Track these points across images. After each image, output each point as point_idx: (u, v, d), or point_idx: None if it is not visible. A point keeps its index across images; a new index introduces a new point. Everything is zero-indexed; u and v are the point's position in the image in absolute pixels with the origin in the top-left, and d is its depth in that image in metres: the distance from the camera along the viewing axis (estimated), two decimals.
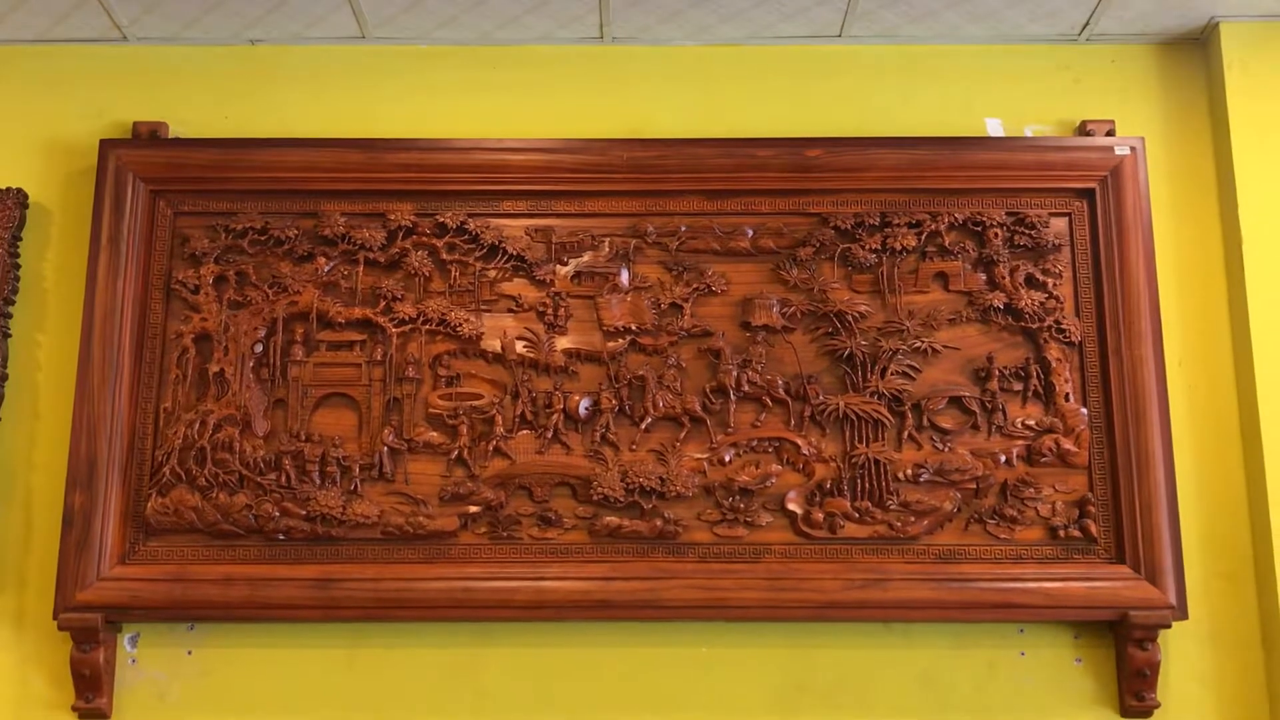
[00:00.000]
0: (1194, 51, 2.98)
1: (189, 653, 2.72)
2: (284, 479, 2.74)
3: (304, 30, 2.96)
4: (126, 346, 2.77)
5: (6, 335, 2.83)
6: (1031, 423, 2.77)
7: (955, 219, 2.85)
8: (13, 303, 2.85)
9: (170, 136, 2.92)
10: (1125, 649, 2.65)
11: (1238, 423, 2.80)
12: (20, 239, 2.87)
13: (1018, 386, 2.79)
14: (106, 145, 2.86)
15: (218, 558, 2.71)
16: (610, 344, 2.82)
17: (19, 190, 2.87)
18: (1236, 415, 2.80)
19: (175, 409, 2.77)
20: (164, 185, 2.86)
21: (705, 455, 2.77)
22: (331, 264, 2.85)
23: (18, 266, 2.86)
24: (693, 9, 2.87)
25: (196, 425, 2.76)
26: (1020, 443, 2.76)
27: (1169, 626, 2.63)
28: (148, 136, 2.90)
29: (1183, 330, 2.84)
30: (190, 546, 2.72)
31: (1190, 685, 2.69)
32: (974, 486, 2.74)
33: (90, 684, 2.65)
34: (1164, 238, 2.87)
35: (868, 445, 2.76)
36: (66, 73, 2.99)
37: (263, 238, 2.85)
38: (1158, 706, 2.65)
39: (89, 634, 2.63)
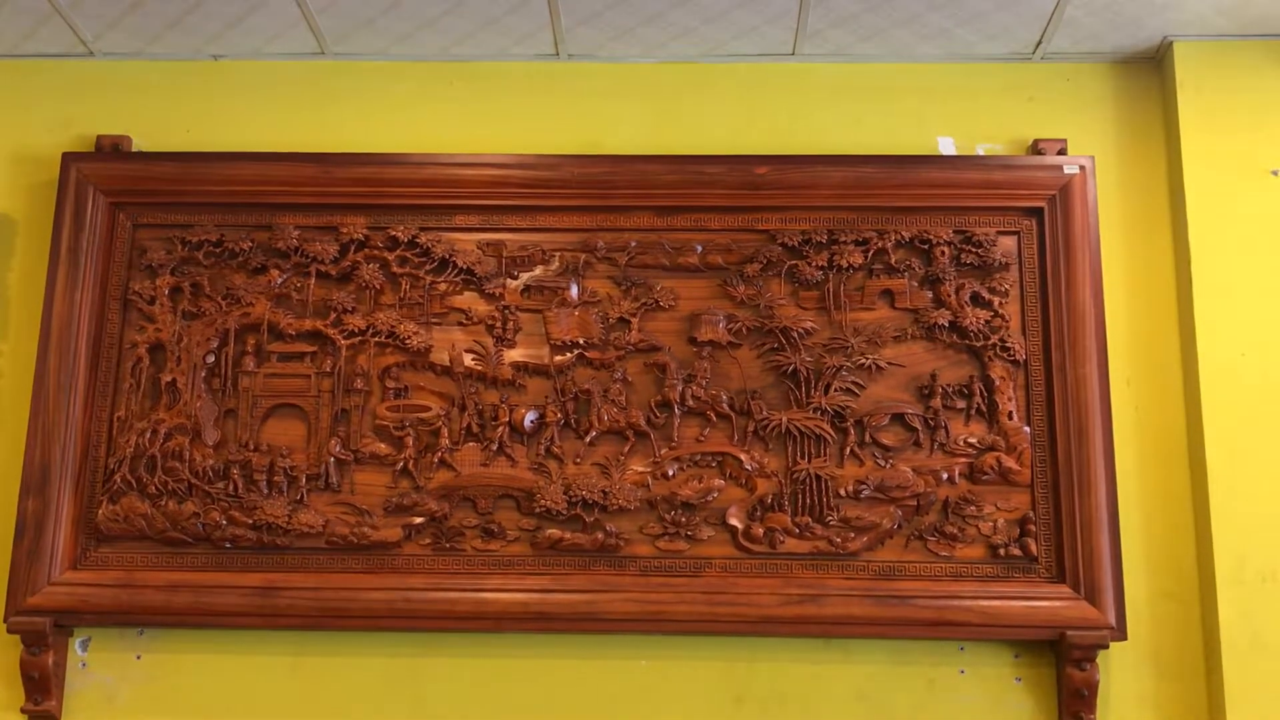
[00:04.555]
0: (1148, 70, 2.98)
1: (138, 657, 2.76)
2: (232, 488, 2.78)
3: (264, 46, 3.00)
4: (83, 356, 2.81)
5: None
6: (974, 440, 2.77)
7: (902, 237, 2.85)
8: None
9: (134, 150, 2.98)
10: (1064, 669, 2.65)
11: (1185, 442, 2.79)
12: None
13: (961, 404, 2.79)
14: (68, 158, 2.91)
15: (166, 564, 2.75)
16: (558, 358, 2.85)
17: None
18: (1184, 435, 2.79)
19: (128, 418, 2.82)
20: (124, 198, 2.91)
21: (648, 469, 2.78)
22: (284, 276, 2.89)
23: None
24: (644, 26, 2.90)
25: (148, 434, 2.80)
26: (962, 460, 2.76)
27: (1106, 647, 2.63)
28: (110, 150, 2.94)
29: (1131, 348, 2.84)
30: (139, 553, 2.76)
31: (1130, 706, 2.68)
32: (915, 503, 2.74)
33: (39, 686, 2.69)
34: (1115, 256, 2.87)
35: (809, 461, 2.77)
36: (34, 87, 3.05)
37: (218, 250, 2.90)
38: None
39: (38, 637, 2.67)
